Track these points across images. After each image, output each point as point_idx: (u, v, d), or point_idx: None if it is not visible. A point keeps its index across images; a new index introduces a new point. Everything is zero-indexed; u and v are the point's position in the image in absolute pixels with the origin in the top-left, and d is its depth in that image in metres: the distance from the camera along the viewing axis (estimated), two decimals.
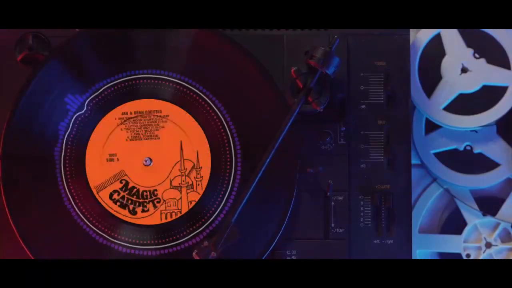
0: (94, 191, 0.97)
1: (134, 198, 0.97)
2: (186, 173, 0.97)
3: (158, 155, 0.98)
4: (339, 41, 0.96)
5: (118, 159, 0.98)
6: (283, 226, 0.97)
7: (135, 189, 0.97)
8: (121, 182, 0.98)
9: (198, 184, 0.97)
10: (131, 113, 0.98)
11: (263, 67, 1.00)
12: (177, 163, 0.98)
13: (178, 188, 0.97)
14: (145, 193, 0.98)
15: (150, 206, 0.97)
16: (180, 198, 0.97)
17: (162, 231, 0.97)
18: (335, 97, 0.99)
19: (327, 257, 0.98)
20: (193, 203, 0.97)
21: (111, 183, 0.98)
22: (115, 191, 0.97)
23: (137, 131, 0.98)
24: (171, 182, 0.98)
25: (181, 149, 0.98)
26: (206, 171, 0.98)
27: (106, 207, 0.97)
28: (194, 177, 0.98)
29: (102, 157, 0.98)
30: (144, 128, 0.98)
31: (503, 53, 1.09)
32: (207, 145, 0.98)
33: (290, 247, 0.99)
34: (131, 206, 0.97)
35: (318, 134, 1.00)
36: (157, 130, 0.98)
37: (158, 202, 0.97)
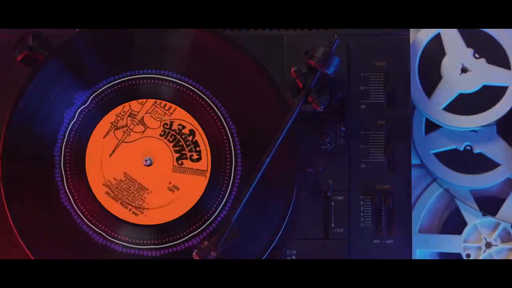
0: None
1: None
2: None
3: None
4: (339, 41, 0.96)
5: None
6: (283, 226, 0.97)
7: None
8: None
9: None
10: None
11: (263, 67, 1.00)
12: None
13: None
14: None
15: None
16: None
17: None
18: (335, 97, 0.99)
19: (327, 257, 0.98)
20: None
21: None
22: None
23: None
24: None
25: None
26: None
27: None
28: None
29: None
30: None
31: (503, 53, 1.09)
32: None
33: (290, 247, 0.98)
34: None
35: (318, 134, 1.00)
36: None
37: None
